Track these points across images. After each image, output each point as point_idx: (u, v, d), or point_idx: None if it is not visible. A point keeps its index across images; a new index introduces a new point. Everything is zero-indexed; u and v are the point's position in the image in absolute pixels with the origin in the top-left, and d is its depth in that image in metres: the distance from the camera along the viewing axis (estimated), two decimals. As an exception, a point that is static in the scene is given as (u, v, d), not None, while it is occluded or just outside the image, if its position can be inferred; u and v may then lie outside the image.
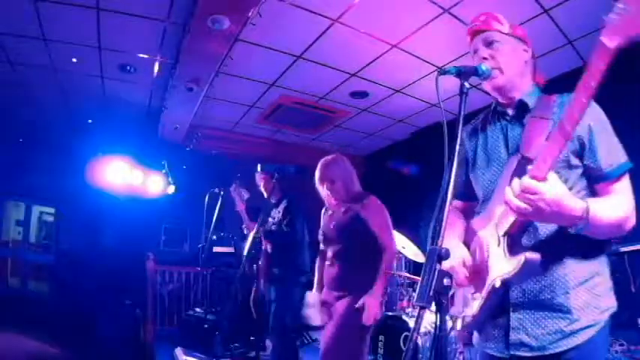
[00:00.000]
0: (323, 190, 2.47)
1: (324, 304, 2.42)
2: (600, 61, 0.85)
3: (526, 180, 1.00)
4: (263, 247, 3.25)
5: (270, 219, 3.24)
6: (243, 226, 3.40)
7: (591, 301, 1.13)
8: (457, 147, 1.04)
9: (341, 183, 2.43)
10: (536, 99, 1.26)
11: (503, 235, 1.13)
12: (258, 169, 3.37)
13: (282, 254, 3.12)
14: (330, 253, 2.44)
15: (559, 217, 1.03)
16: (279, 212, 3.19)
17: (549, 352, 1.13)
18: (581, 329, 1.11)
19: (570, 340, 1.11)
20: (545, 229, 1.15)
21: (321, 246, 2.54)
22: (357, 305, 2.23)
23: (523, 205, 1.01)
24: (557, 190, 0.99)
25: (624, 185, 1.15)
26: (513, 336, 1.18)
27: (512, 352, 1.19)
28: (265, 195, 3.36)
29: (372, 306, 2.20)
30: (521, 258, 1.06)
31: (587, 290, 1.14)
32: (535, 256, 1.07)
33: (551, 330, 1.14)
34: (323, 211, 2.61)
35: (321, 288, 2.51)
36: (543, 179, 0.99)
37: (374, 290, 2.24)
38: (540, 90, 1.31)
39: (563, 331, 1.12)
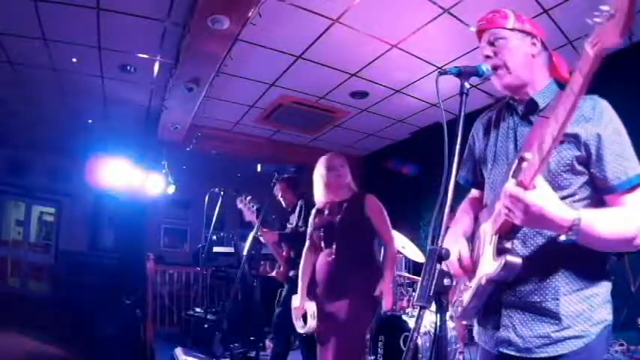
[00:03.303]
0: (326, 177, 2.47)
1: (319, 309, 2.40)
2: (583, 68, 0.82)
3: (510, 186, 0.99)
4: (284, 253, 3.24)
5: (288, 224, 3.25)
6: (259, 235, 3.10)
7: (584, 312, 1.10)
8: (457, 147, 1.04)
9: (347, 170, 2.53)
10: (550, 98, 1.20)
11: (495, 234, 1.13)
12: (259, 169, 3.36)
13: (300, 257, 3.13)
14: (329, 250, 2.42)
15: (543, 225, 1.02)
16: (295, 216, 3.20)
17: (535, 355, 1.11)
18: (569, 338, 1.09)
19: (557, 348, 1.09)
20: (541, 232, 1.13)
21: (312, 241, 2.54)
22: (375, 293, 2.28)
23: (505, 210, 1.01)
24: (541, 201, 0.96)
25: (637, 198, 1.06)
26: (502, 333, 1.17)
27: (499, 349, 1.18)
28: (284, 205, 3.37)
29: (388, 292, 2.30)
30: (502, 260, 1.06)
31: (581, 299, 1.11)
32: (516, 260, 1.06)
33: (538, 333, 1.12)
34: (315, 211, 2.61)
35: (308, 293, 2.50)
36: (529, 187, 0.97)
37: (385, 277, 2.32)
38: (559, 86, 1.23)
39: (551, 336, 1.10)
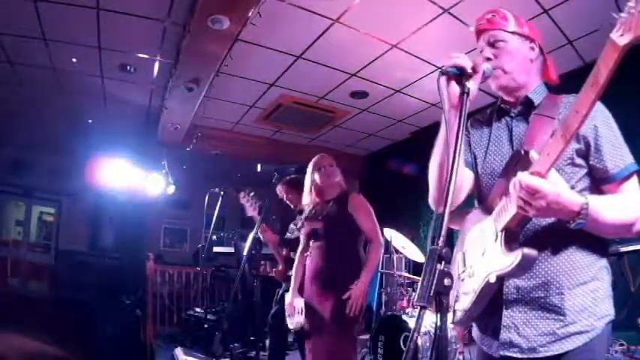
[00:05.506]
0: (319, 173, 2.54)
1: (306, 306, 2.44)
2: (609, 59, 0.83)
3: (527, 177, 0.99)
4: (283, 253, 3.25)
5: (292, 226, 3.24)
6: (259, 232, 3.11)
7: (588, 306, 1.10)
8: (458, 147, 1.03)
9: (336, 169, 2.58)
10: (542, 97, 1.24)
11: (502, 230, 1.12)
12: (259, 169, 3.36)
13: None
14: (314, 248, 2.47)
15: (557, 212, 1.03)
16: (301, 220, 3.20)
17: (540, 355, 1.10)
18: (575, 334, 1.08)
19: (562, 345, 1.08)
20: (544, 226, 1.13)
21: (304, 242, 2.57)
22: (344, 296, 2.26)
23: (521, 202, 1.01)
24: (557, 188, 0.99)
25: (633, 186, 1.11)
26: (504, 334, 1.15)
27: (501, 352, 1.16)
28: (292, 206, 3.35)
29: (357, 297, 2.27)
30: (518, 254, 1.04)
31: (586, 293, 1.11)
32: (533, 252, 1.05)
33: (542, 331, 1.10)
34: (305, 210, 2.66)
35: (300, 290, 2.52)
36: (545, 176, 0.99)
37: (361, 281, 2.30)
38: (548, 89, 1.29)
39: (556, 333, 1.09)
